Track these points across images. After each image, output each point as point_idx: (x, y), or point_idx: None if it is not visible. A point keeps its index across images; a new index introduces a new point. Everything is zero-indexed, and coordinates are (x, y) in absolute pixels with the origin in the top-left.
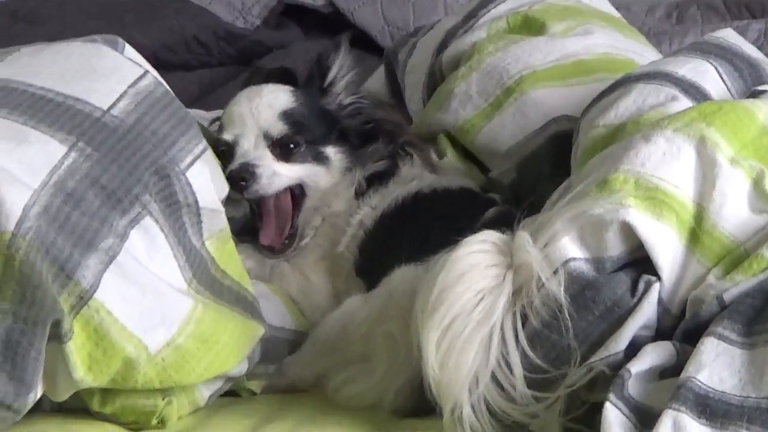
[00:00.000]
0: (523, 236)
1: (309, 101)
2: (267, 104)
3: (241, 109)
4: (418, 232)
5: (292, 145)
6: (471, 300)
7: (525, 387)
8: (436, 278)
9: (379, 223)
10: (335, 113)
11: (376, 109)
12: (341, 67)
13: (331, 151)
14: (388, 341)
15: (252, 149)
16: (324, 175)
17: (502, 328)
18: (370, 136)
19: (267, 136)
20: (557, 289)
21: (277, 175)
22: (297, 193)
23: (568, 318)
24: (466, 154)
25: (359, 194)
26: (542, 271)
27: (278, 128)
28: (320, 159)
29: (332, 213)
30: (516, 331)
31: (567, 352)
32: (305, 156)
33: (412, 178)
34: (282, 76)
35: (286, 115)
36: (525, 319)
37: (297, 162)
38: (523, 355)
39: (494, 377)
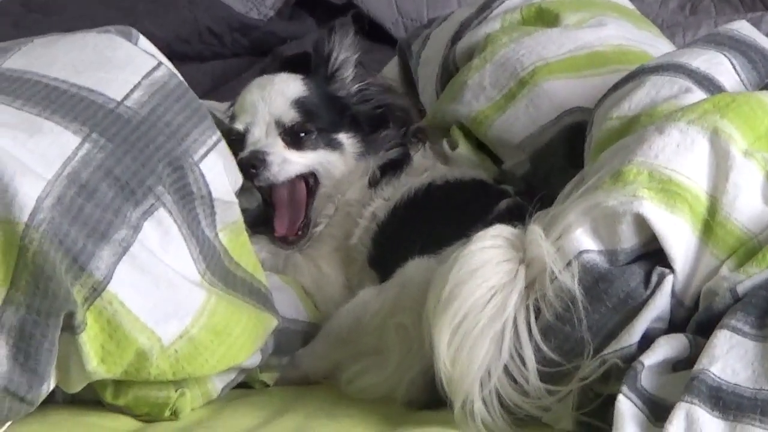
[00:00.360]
0: (535, 230)
1: (319, 89)
2: (279, 92)
3: (252, 97)
4: (431, 224)
5: (303, 133)
6: (483, 296)
7: (538, 380)
8: (449, 274)
9: (392, 215)
10: (345, 100)
11: (384, 94)
12: (341, 52)
13: (344, 137)
14: (401, 333)
15: (263, 137)
16: (337, 161)
17: (515, 323)
18: (381, 122)
19: (279, 124)
20: (570, 282)
21: (288, 162)
22: (311, 182)
23: (582, 310)
24: (479, 145)
25: (373, 183)
26: (555, 265)
27: (290, 116)
28: (333, 145)
29: (346, 201)
30: (529, 324)
31: (580, 345)
32: (317, 143)
33: (425, 169)
34: (299, 64)
35: (298, 103)
36: (538, 312)
37: (309, 149)
38: (537, 349)
39: (507, 371)
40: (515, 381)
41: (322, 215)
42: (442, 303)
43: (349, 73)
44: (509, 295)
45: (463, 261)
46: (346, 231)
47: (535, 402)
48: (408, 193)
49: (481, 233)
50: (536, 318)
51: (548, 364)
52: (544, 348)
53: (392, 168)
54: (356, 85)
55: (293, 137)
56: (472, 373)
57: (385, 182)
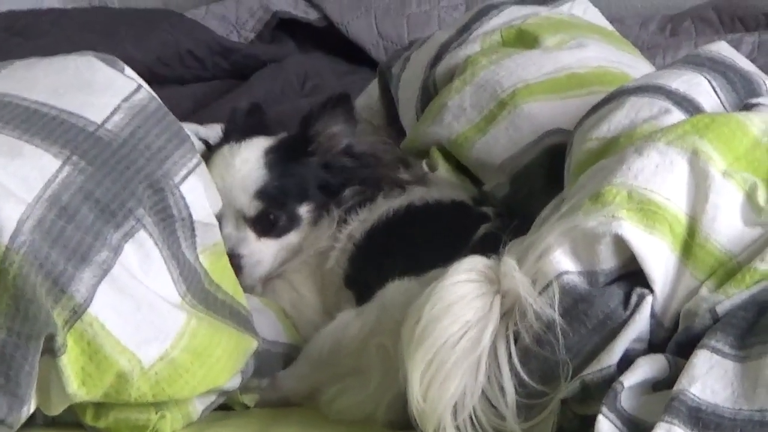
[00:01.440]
0: (508, 263)
1: (287, 163)
2: (240, 187)
3: (216, 185)
4: (411, 245)
5: (271, 216)
6: (457, 332)
7: (515, 411)
8: (422, 310)
9: (369, 235)
10: (316, 172)
11: (362, 168)
12: (328, 130)
13: (304, 210)
14: (381, 354)
15: (234, 232)
16: (297, 237)
17: (493, 351)
18: (349, 178)
19: (245, 218)
20: (547, 310)
21: (260, 263)
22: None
23: (560, 334)
24: (458, 166)
25: (340, 225)
26: (529, 297)
27: (254, 208)
28: (295, 223)
29: (315, 251)
30: (509, 351)
31: (558, 368)
32: (285, 227)
33: (400, 192)
34: (256, 115)
35: (260, 194)
36: (517, 336)
37: (278, 236)
38: (515, 374)
39: (485, 397)
40: (493, 406)
41: (293, 264)
42: (416, 339)
43: (329, 147)
44: (484, 329)
45: (437, 297)
46: (320, 260)
47: (513, 426)
48: (387, 213)
49: (454, 266)
50: (515, 342)
51: (527, 388)
52: (523, 375)
53: (358, 207)
54: (334, 161)
55: (262, 226)
56: (443, 406)
57: (356, 209)
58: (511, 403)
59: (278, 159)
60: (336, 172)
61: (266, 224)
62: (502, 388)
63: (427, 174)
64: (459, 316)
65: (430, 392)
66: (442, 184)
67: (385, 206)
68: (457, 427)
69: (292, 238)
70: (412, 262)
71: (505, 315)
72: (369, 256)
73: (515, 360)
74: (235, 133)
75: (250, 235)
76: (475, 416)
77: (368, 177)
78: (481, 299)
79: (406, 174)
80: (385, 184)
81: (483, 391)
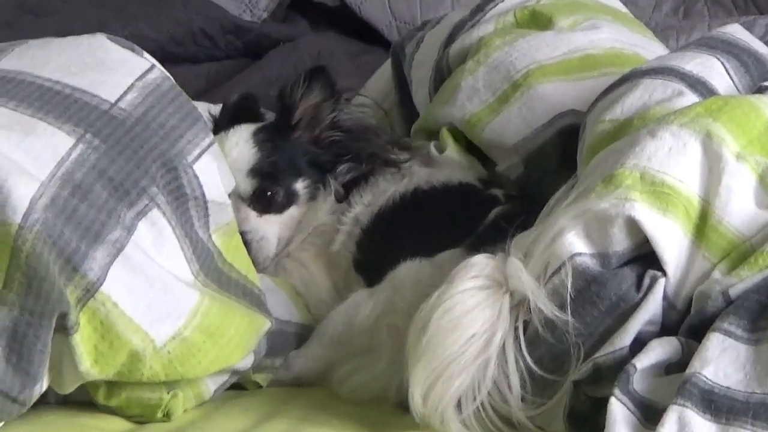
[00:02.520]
0: (514, 263)
1: (274, 140)
2: (233, 168)
3: None
4: (421, 228)
5: (269, 193)
6: (464, 345)
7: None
8: (429, 319)
9: (377, 219)
10: (306, 147)
11: (354, 141)
12: (307, 102)
13: (300, 186)
14: (392, 334)
15: (236, 213)
16: (297, 212)
17: (502, 346)
18: (343, 154)
19: (243, 197)
20: (555, 311)
21: (264, 239)
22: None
23: (571, 317)
24: (468, 148)
25: (340, 199)
26: (537, 299)
27: (249, 186)
28: (293, 198)
29: (316, 227)
30: (518, 346)
31: (569, 352)
32: (283, 203)
33: (403, 174)
34: (246, 106)
35: (254, 172)
36: (526, 325)
37: (277, 212)
38: (524, 364)
39: (495, 387)
40: (501, 394)
41: (295, 242)
42: (422, 350)
43: (315, 121)
44: (493, 336)
45: (444, 308)
46: (326, 240)
47: (518, 414)
48: (393, 197)
49: (462, 269)
50: (524, 332)
51: (537, 374)
52: (531, 361)
53: (356, 182)
54: (324, 134)
55: (260, 203)
56: (444, 404)
57: (361, 189)
58: (516, 391)
59: (267, 138)
60: (326, 147)
61: (264, 201)
62: (508, 378)
63: (433, 156)
64: (467, 328)
65: (431, 394)
66: (448, 166)
67: (390, 190)
68: (463, 421)
69: (292, 213)
70: (423, 246)
71: (515, 308)
72: (378, 241)
73: (524, 350)
74: (225, 123)
75: (251, 213)
76: (482, 407)
77: (361, 150)
78: (490, 309)
79: (403, 154)
80: (380, 159)
81: (494, 382)
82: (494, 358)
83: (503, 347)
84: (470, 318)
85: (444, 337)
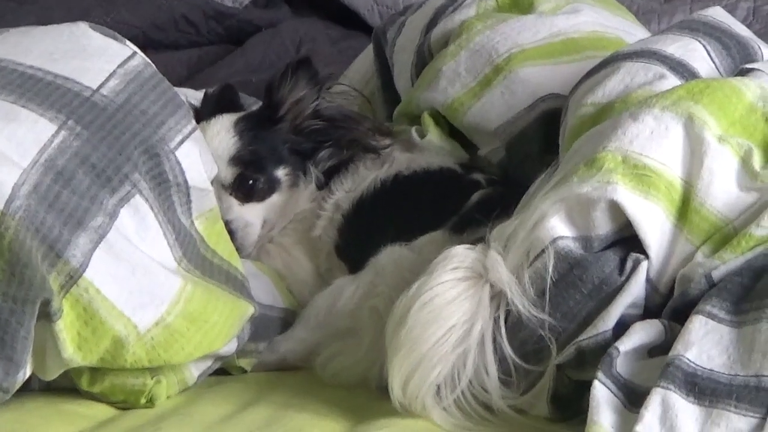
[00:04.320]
0: (493, 256)
1: (257, 130)
2: (215, 156)
3: None
4: (402, 214)
5: (251, 182)
6: (443, 337)
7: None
8: (409, 311)
9: (358, 206)
10: (287, 136)
11: (335, 130)
12: (294, 95)
13: (282, 173)
14: (374, 316)
15: (219, 201)
16: (279, 199)
17: (481, 342)
18: (324, 141)
19: (224, 186)
20: (533, 310)
21: (249, 225)
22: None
23: (550, 303)
24: (450, 132)
25: (321, 186)
26: (513, 296)
27: (231, 175)
28: (275, 186)
29: (297, 213)
30: (499, 333)
31: (549, 342)
32: (265, 190)
33: (384, 160)
34: (227, 96)
35: (235, 160)
36: (507, 314)
37: (259, 199)
38: (504, 353)
39: (477, 375)
40: (483, 384)
41: (277, 228)
42: (401, 342)
43: (297, 112)
44: (472, 327)
45: (423, 300)
46: (307, 226)
47: (498, 402)
48: (374, 183)
49: (441, 260)
50: (505, 320)
51: (518, 363)
52: (510, 350)
53: (337, 169)
54: (305, 123)
55: (243, 191)
56: (423, 393)
57: (342, 176)
58: (495, 380)
59: (248, 127)
60: (307, 135)
61: (246, 189)
62: (486, 367)
63: (414, 141)
64: (447, 320)
65: (410, 383)
66: (429, 151)
67: (370, 176)
68: (444, 408)
69: (274, 200)
70: (403, 231)
71: (495, 297)
72: (359, 227)
73: (504, 339)
74: (206, 112)
75: (233, 202)
76: (462, 395)
77: (341, 137)
78: (469, 300)
79: (384, 140)
80: (360, 145)
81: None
82: (474, 348)
83: (483, 337)
84: (450, 310)
85: (423, 328)
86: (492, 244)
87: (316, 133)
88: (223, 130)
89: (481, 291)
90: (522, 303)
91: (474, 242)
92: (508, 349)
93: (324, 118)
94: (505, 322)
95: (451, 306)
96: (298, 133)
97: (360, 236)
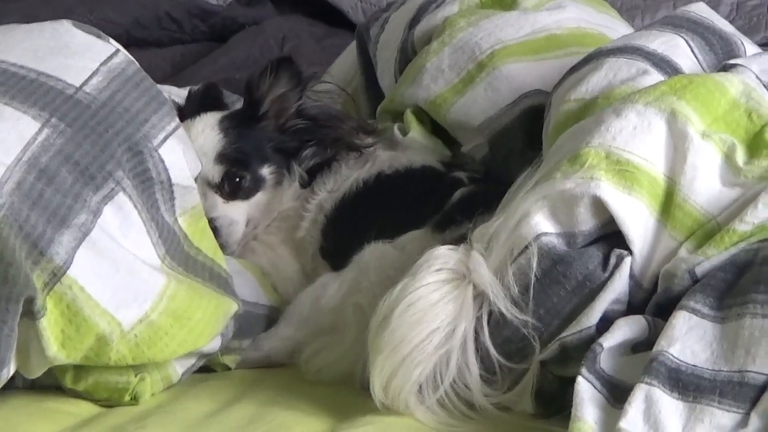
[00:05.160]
0: (475, 257)
1: (239, 128)
2: (200, 154)
3: None
4: (384, 213)
5: (236, 180)
6: (426, 338)
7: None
8: (392, 313)
9: (341, 206)
10: (271, 135)
11: (318, 128)
12: (275, 93)
13: (267, 171)
14: (357, 313)
15: (202, 199)
16: (264, 197)
17: (464, 343)
18: (308, 140)
19: (210, 184)
20: (515, 311)
21: (234, 223)
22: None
23: (533, 300)
24: (433, 129)
25: (304, 185)
26: (496, 298)
27: (216, 172)
28: (259, 184)
29: (281, 211)
30: (481, 332)
31: (532, 341)
32: (250, 189)
33: (366, 159)
34: (211, 95)
35: (221, 157)
36: (491, 313)
37: (245, 197)
38: (489, 356)
39: (460, 374)
40: (466, 383)
41: (261, 227)
42: (383, 341)
43: (280, 111)
44: (456, 328)
45: (407, 302)
46: (291, 225)
47: (480, 399)
48: (356, 183)
49: (425, 261)
50: (488, 320)
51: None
52: (493, 348)
53: (320, 168)
54: (289, 122)
55: (228, 189)
56: (406, 392)
57: (324, 176)
58: (478, 379)
59: (233, 125)
60: (292, 134)
61: (233, 186)
62: (468, 367)
63: (396, 138)
64: (430, 322)
65: (392, 384)
66: (412, 149)
67: (353, 176)
68: (427, 407)
69: (259, 199)
70: (386, 230)
71: (478, 296)
72: (342, 228)
73: (487, 338)
74: (190, 111)
75: (218, 199)
76: (446, 394)
77: (325, 136)
78: (453, 302)
79: (367, 139)
80: (344, 144)
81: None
82: (457, 349)
83: (465, 338)
84: (434, 312)
85: (407, 331)
86: (475, 245)
87: (300, 132)
88: (208, 127)
89: (464, 292)
90: (505, 305)
91: (456, 240)
92: (491, 348)
93: (308, 117)
94: (488, 321)
95: (434, 308)
96: (282, 132)
97: (343, 237)
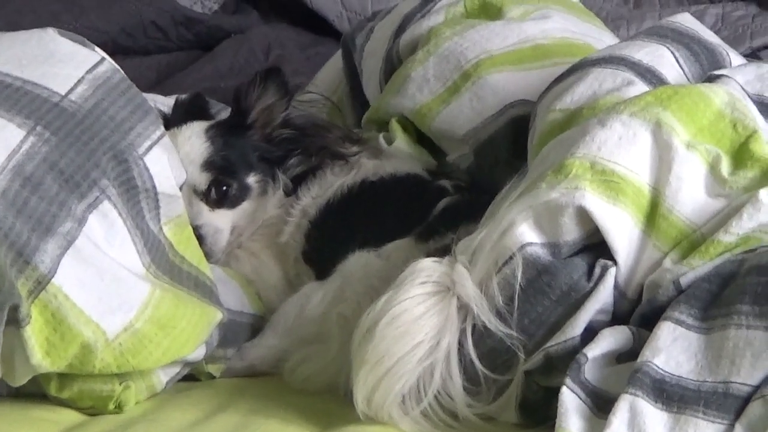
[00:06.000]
0: (460, 270)
1: (228, 137)
2: (186, 162)
3: None
4: (368, 220)
5: (223, 188)
6: (410, 351)
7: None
8: (376, 325)
9: (324, 212)
10: (257, 144)
11: (304, 137)
12: (262, 103)
13: (253, 180)
14: (341, 322)
15: (188, 207)
16: (249, 206)
17: (448, 355)
18: (293, 149)
19: (196, 191)
20: (500, 326)
21: (219, 231)
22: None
23: (518, 312)
24: (418, 138)
25: (288, 193)
26: (481, 312)
27: (203, 180)
28: (245, 193)
29: (265, 219)
30: (465, 344)
31: (516, 352)
32: (236, 197)
33: (351, 167)
34: (197, 104)
35: (207, 165)
36: (475, 325)
37: (231, 206)
38: (473, 367)
39: (444, 386)
40: (450, 395)
41: (245, 234)
42: (367, 354)
43: (267, 121)
44: (440, 341)
45: (391, 315)
46: (274, 231)
47: (463, 410)
48: (341, 190)
49: (409, 274)
50: (472, 331)
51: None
52: (476, 359)
53: (305, 176)
54: (275, 132)
55: (214, 197)
56: (389, 403)
57: (309, 183)
58: (461, 391)
59: (219, 134)
60: (278, 144)
61: (218, 195)
62: (452, 379)
63: (382, 147)
64: (415, 336)
65: (375, 396)
66: (397, 157)
67: (337, 183)
68: (411, 419)
69: (245, 207)
70: (370, 237)
71: (462, 308)
72: (325, 233)
73: (471, 350)
74: (176, 120)
75: (204, 207)
76: (429, 406)
77: (311, 145)
78: (437, 316)
79: (353, 148)
80: (329, 153)
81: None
82: (441, 361)
83: (449, 350)
84: (418, 326)
85: (391, 344)
86: (459, 257)
87: (286, 142)
88: (194, 135)
89: (449, 305)
90: (488, 318)
91: (440, 250)
92: (475, 360)
93: (294, 126)
94: (473, 333)
95: (419, 322)
96: (268, 142)
97: (326, 242)
